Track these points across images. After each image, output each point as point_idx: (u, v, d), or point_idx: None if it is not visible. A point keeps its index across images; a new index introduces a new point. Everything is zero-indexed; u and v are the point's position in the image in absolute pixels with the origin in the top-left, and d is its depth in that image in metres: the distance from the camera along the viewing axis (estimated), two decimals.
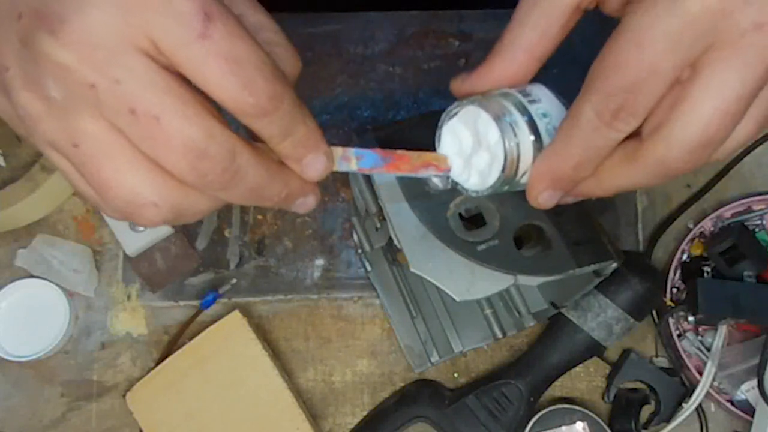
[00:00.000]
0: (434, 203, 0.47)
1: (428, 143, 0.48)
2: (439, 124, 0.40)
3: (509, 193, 0.41)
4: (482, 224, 0.47)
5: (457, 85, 0.40)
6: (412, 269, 0.45)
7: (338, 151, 0.37)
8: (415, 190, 0.47)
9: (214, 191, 0.33)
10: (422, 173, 0.39)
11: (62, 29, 0.30)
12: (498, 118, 0.37)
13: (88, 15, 0.29)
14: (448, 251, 0.46)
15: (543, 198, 0.39)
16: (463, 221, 0.47)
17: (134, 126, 0.30)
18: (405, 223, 0.46)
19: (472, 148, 0.39)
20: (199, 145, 0.31)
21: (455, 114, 0.39)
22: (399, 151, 0.37)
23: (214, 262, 0.65)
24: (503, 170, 0.37)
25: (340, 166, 0.37)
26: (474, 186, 0.39)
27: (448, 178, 0.40)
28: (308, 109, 0.35)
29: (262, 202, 0.35)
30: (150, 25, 0.30)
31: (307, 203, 0.37)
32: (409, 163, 0.38)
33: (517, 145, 0.37)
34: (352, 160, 0.37)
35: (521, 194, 0.43)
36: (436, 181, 0.47)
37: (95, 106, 0.30)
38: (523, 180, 0.38)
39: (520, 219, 0.47)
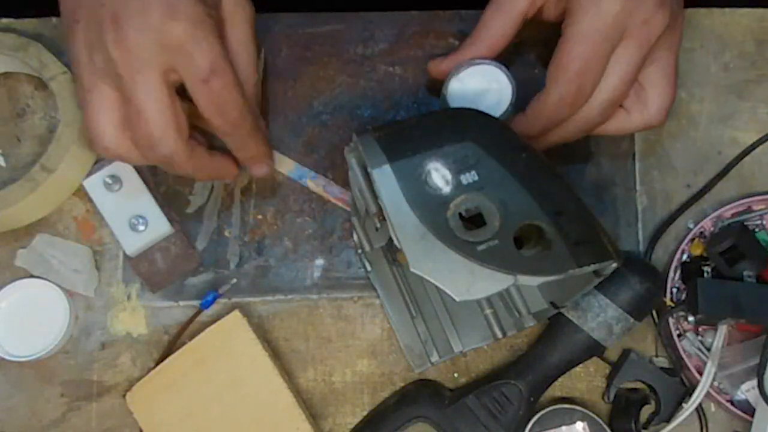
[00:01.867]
0: (434, 203, 0.47)
1: (429, 142, 0.48)
2: (448, 77, 0.58)
3: (510, 194, 0.47)
4: (482, 224, 0.47)
5: (435, 64, 0.59)
6: (412, 269, 0.45)
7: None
8: (415, 189, 0.47)
9: (160, 166, 0.54)
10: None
11: (123, 38, 0.47)
12: (505, 71, 0.57)
13: (141, 40, 0.47)
14: (448, 251, 0.46)
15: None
16: (463, 221, 0.47)
17: (127, 106, 0.50)
18: (405, 223, 0.46)
19: (480, 92, 0.57)
20: (154, 140, 0.50)
21: (463, 70, 0.57)
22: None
23: (214, 262, 0.65)
24: (510, 104, 0.57)
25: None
26: None
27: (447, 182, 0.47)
28: (265, 132, 0.58)
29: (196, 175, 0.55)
30: (175, 64, 0.48)
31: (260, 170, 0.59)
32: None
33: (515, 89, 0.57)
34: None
35: (522, 194, 0.45)
36: (437, 181, 0.47)
37: (115, 83, 0.49)
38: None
39: (521, 219, 0.47)
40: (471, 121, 0.49)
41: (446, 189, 0.47)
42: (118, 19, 0.47)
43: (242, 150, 0.55)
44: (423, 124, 0.50)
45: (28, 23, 0.67)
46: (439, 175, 0.47)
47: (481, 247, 0.46)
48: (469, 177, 0.47)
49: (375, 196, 0.49)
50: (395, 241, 0.46)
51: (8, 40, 0.63)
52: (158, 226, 0.63)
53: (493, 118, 0.51)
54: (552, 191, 0.48)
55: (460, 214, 0.47)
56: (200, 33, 0.48)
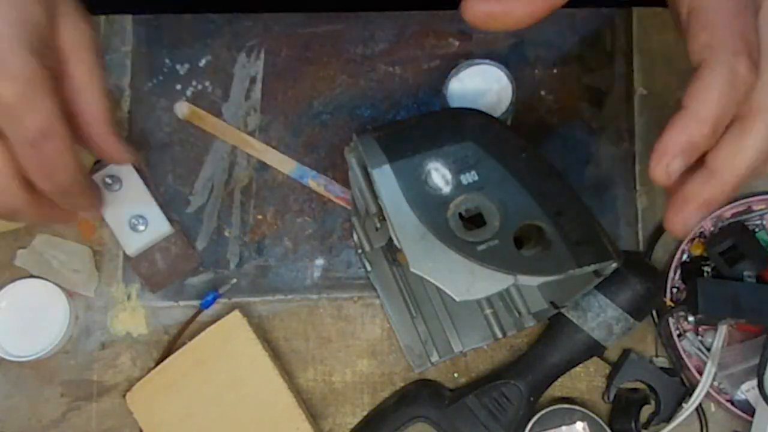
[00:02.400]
0: (434, 203, 0.47)
1: (428, 142, 0.48)
2: (448, 77, 0.57)
3: (510, 194, 0.46)
4: (482, 224, 0.47)
5: (470, 4, 0.42)
6: (412, 269, 0.45)
7: None
8: (415, 189, 0.47)
9: None
10: None
11: None
12: (505, 71, 0.57)
13: None
14: (448, 251, 0.46)
15: (673, 167, 0.41)
16: (463, 221, 0.47)
17: None
18: (405, 223, 0.46)
19: (480, 92, 0.57)
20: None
21: (463, 70, 0.57)
22: None
23: (214, 262, 0.65)
24: (510, 104, 0.56)
25: None
26: None
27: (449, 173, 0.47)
28: (94, 188, 0.53)
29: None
30: (4, 125, 0.43)
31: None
32: None
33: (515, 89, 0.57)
34: None
35: (522, 194, 0.44)
36: (437, 181, 0.47)
37: None
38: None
39: (521, 219, 0.47)
40: (471, 121, 0.49)
41: (446, 189, 0.47)
42: None
43: (68, 205, 0.51)
44: (423, 124, 0.50)
45: None
46: (439, 175, 0.47)
47: (481, 247, 0.46)
48: (469, 177, 0.47)
49: (375, 196, 0.49)
50: (395, 241, 0.46)
51: None
52: (158, 226, 0.63)
53: (493, 117, 0.51)
54: (552, 191, 0.48)
55: (460, 214, 0.46)
56: (31, 92, 0.43)
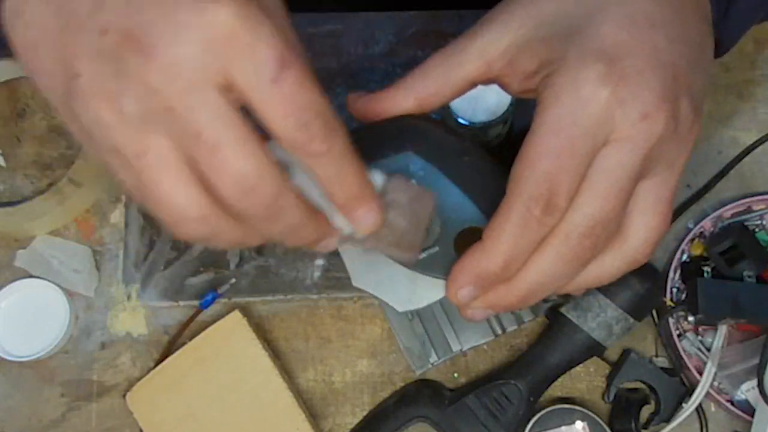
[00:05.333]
0: None
1: (369, 155, 0.47)
2: None
3: (450, 199, 0.43)
4: None
5: (352, 99, 0.45)
6: (354, 284, 0.45)
7: None
8: None
9: (254, 224, 0.35)
10: None
11: (155, 55, 0.32)
12: None
13: (179, 48, 0.32)
14: (389, 262, 0.44)
15: (462, 294, 0.41)
16: None
17: (196, 149, 0.33)
18: None
19: (480, 92, 0.50)
20: (250, 179, 0.33)
21: None
22: None
23: (214, 262, 0.65)
24: (510, 104, 0.57)
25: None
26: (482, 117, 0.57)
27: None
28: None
29: (293, 241, 0.38)
30: (231, 66, 0.33)
31: (329, 244, 0.40)
32: None
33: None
34: None
35: (462, 198, 0.44)
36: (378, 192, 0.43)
37: (166, 125, 0.33)
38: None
39: (461, 224, 0.44)
40: (411, 130, 0.47)
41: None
42: (137, 36, 0.33)
43: (338, 182, 0.37)
44: (364, 136, 0.47)
45: None
46: (380, 187, 0.46)
47: (422, 256, 0.45)
48: None
49: None
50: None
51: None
52: None
53: (435, 123, 0.48)
54: (496, 192, 0.44)
55: None
56: (254, 14, 0.33)
